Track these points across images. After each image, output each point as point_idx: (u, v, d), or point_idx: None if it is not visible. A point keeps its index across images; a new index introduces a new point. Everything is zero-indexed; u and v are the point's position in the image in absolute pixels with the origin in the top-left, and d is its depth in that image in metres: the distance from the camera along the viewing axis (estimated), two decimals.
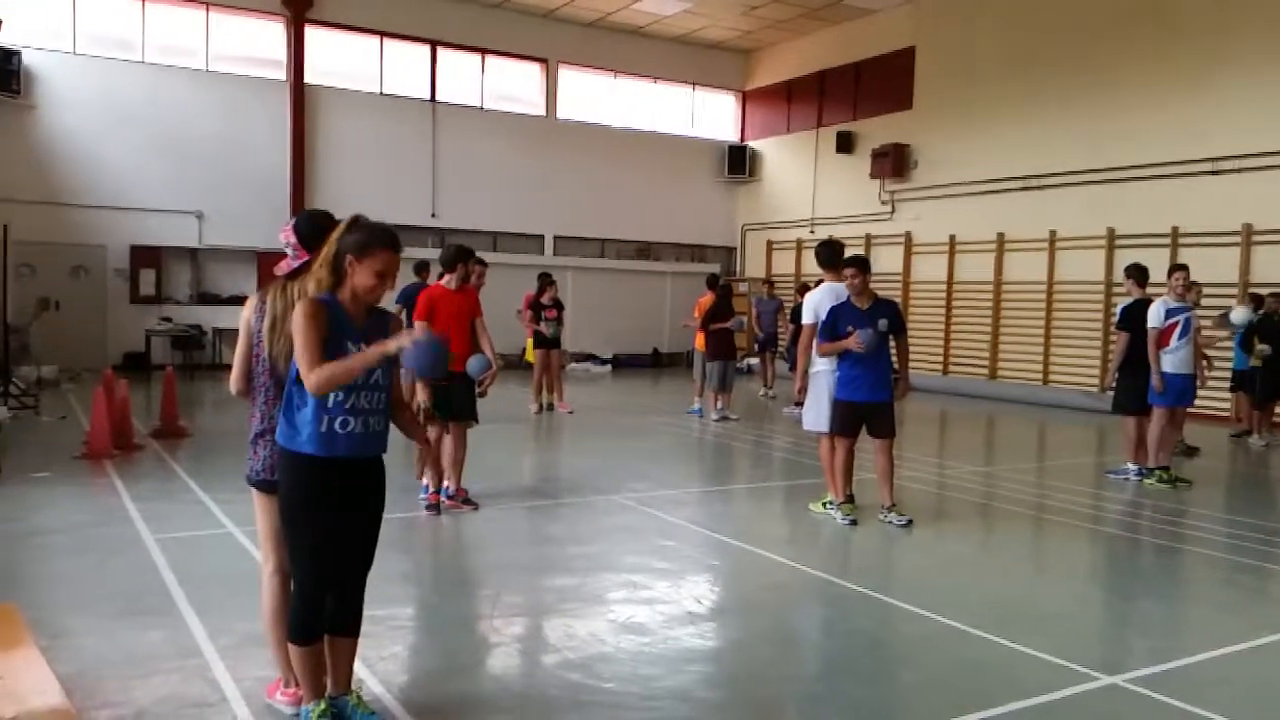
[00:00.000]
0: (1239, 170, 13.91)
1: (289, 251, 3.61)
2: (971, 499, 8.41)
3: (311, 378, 3.18)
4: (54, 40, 16.59)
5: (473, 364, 6.83)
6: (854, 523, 7.00)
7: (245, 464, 3.64)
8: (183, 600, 4.89)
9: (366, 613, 3.60)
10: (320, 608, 3.41)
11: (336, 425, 3.27)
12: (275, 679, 3.72)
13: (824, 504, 7.33)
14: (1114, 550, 7.00)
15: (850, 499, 7.15)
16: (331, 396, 3.25)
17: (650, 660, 4.33)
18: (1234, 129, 13.91)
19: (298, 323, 3.22)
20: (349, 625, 3.50)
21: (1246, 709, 3.90)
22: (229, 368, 3.81)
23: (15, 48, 15.80)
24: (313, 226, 3.60)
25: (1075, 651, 4.49)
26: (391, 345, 3.17)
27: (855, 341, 6.76)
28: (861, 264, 7.03)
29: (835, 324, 6.93)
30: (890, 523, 7.04)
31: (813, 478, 8.39)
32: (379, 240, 3.31)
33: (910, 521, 7.06)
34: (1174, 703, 3.96)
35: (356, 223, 3.35)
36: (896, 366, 7.34)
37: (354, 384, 3.27)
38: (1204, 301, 11.01)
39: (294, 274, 3.57)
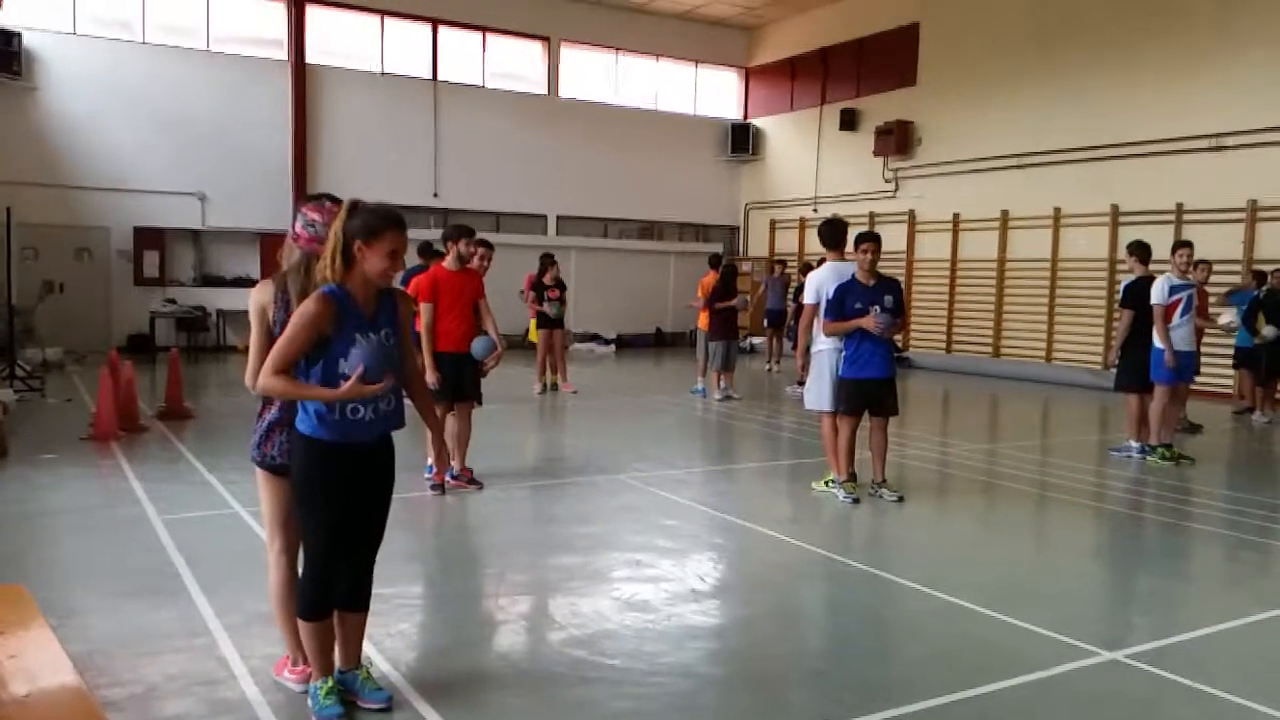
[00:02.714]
0: (1243, 146, 13.84)
1: (321, 231, 3.52)
2: (974, 477, 8.43)
3: (269, 379, 3.24)
4: (54, 21, 16.54)
5: (477, 345, 6.86)
6: (856, 501, 7.03)
7: (252, 447, 3.63)
8: (190, 579, 4.94)
9: (373, 591, 3.63)
10: (331, 585, 3.45)
11: (348, 412, 3.31)
12: (283, 656, 3.76)
13: (826, 482, 7.36)
14: (1116, 527, 7.02)
15: (853, 477, 7.18)
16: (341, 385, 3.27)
17: (654, 637, 4.37)
18: (1238, 105, 13.84)
19: (298, 317, 3.25)
20: (359, 601, 3.55)
21: (1247, 684, 3.92)
22: (233, 349, 3.82)
23: (16, 29, 15.75)
24: None
25: (1076, 627, 4.52)
26: (338, 396, 3.22)
27: (874, 324, 6.76)
28: (878, 240, 7.05)
29: (843, 302, 6.93)
30: (882, 497, 7.11)
31: (815, 457, 8.41)
32: (386, 222, 3.29)
33: (902, 498, 7.11)
34: (1174, 678, 3.99)
35: (357, 208, 3.32)
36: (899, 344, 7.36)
37: (366, 373, 3.26)
38: (1211, 279, 10.98)
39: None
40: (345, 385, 3.20)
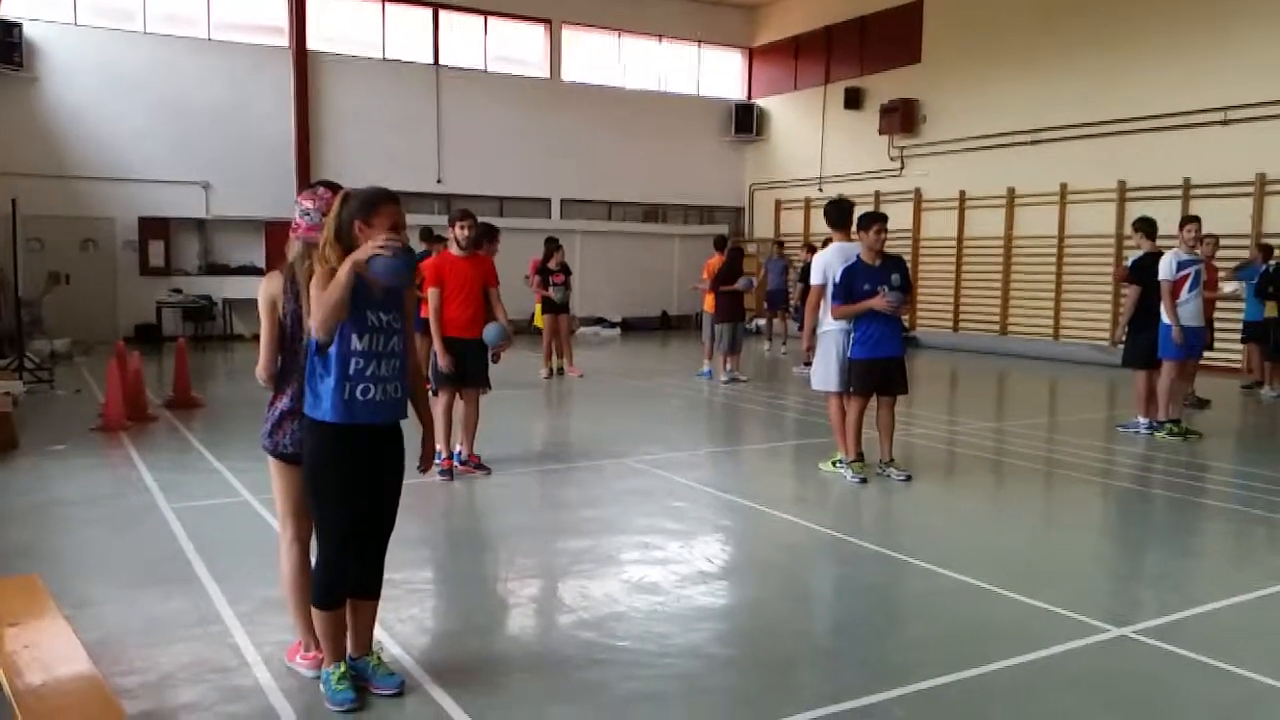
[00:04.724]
0: (1251, 120, 13.74)
1: (316, 218, 3.58)
2: (983, 455, 8.43)
3: (315, 302, 3.25)
4: (55, 11, 16.51)
5: (490, 332, 6.88)
6: (864, 481, 7.03)
7: (263, 436, 3.65)
8: (201, 568, 4.97)
9: (384, 577, 3.65)
10: (344, 572, 3.47)
11: (357, 393, 3.34)
12: (295, 643, 3.78)
13: (834, 463, 7.36)
14: (1125, 503, 7.02)
15: (860, 457, 7.18)
16: (352, 364, 3.32)
17: (664, 619, 4.38)
18: (1245, 78, 13.72)
19: (315, 285, 3.29)
20: (371, 587, 3.57)
21: (1257, 658, 3.92)
22: (240, 338, 3.83)
23: (16, 20, 15.72)
24: None
25: (1085, 604, 4.52)
26: (362, 255, 3.18)
27: (885, 303, 6.76)
28: (885, 220, 7.03)
29: (851, 284, 6.91)
30: (890, 476, 7.10)
31: (822, 437, 8.41)
32: (380, 198, 3.37)
33: (910, 477, 7.11)
34: (1184, 652, 4.00)
35: (349, 196, 3.40)
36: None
37: (372, 351, 3.34)
38: (1219, 254, 10.92)
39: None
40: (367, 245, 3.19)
